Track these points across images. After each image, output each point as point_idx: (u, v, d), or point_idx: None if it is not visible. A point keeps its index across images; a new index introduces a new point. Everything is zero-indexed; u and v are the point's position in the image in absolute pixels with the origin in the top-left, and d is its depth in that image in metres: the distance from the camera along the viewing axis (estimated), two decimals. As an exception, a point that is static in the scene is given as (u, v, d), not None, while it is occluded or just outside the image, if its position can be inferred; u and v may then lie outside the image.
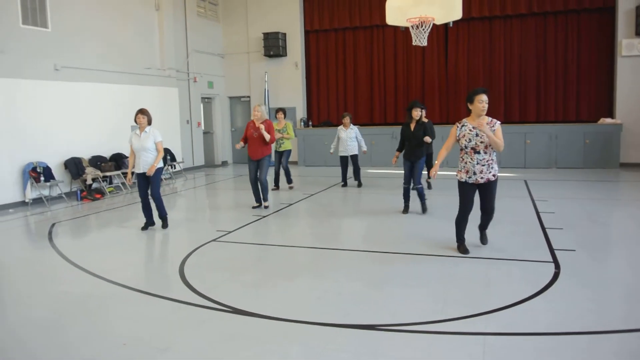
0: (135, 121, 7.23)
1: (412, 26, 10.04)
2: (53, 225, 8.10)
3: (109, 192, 10.91)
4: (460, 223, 5.74)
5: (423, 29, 10.00)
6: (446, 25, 11.00)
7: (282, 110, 10.67)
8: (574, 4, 13.37)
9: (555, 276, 4.94)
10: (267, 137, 8.43)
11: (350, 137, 10.67)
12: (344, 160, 10.92)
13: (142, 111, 7.24)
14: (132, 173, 7.61)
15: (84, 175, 10.43)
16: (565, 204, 8.48)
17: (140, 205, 7.53)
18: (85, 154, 10.92)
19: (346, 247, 6.35)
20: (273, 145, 9.29)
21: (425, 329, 3.86)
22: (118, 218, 8.73)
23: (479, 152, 5.44)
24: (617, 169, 12.67)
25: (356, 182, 10.98)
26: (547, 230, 6.71)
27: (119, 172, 11.27)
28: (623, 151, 12.90)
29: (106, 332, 4.01)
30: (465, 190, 5.59)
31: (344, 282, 5.03)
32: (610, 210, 8.34)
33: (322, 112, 16.07)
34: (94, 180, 10.63)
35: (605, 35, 13.42)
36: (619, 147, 12.82)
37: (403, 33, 12.75)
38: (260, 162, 8.62)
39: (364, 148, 10.72)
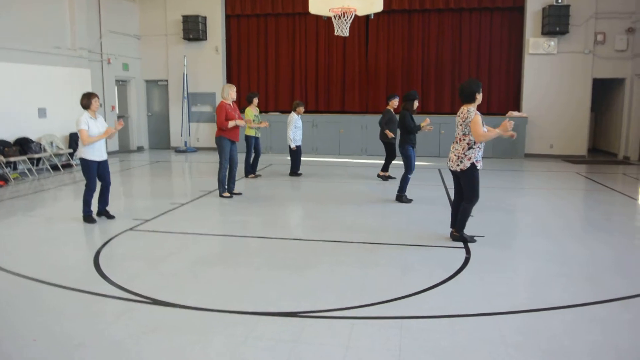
0: (92, 106, 6.77)
1: (334, 16, 10.13)
2: (-51, 214, 7.48)
3: (13, 178, 10.19)
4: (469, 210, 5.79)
5: (345, 20, 10.11)
6: (367, 16, 11.20)
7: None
8: (488, 2, 14.03)
9: (466, 261, 5.23)
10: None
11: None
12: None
13: (96, 95, 6.93)
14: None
15: (-16, 161, 9.68)
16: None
17: (89, 195, 6.91)
18: (-14, 138, 10.13)
19: (269, 235, 6.32)
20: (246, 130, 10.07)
21: (346, 314, 3.96)
22: (23, 207, 8.18)
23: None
24: (522, 159, 13.55)
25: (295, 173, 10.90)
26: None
27: (24, 157, 10.54)
28: (528, 143, 13.83)
29: (14, 328, 3.78)
30: (478, 177, 5.67)
31: (267, 269, 5.05)
32: (516, 198, 8.92)
33: (243, 98, 15.79)
34: (-5, 165, 9.90)
35: (515, 33, 14.22)
36: (525, 139, 13.71)
37: (325, 22, 12.82)
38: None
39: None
